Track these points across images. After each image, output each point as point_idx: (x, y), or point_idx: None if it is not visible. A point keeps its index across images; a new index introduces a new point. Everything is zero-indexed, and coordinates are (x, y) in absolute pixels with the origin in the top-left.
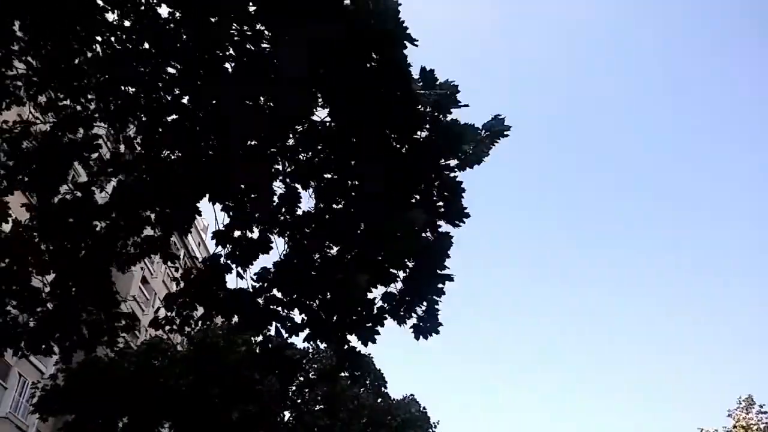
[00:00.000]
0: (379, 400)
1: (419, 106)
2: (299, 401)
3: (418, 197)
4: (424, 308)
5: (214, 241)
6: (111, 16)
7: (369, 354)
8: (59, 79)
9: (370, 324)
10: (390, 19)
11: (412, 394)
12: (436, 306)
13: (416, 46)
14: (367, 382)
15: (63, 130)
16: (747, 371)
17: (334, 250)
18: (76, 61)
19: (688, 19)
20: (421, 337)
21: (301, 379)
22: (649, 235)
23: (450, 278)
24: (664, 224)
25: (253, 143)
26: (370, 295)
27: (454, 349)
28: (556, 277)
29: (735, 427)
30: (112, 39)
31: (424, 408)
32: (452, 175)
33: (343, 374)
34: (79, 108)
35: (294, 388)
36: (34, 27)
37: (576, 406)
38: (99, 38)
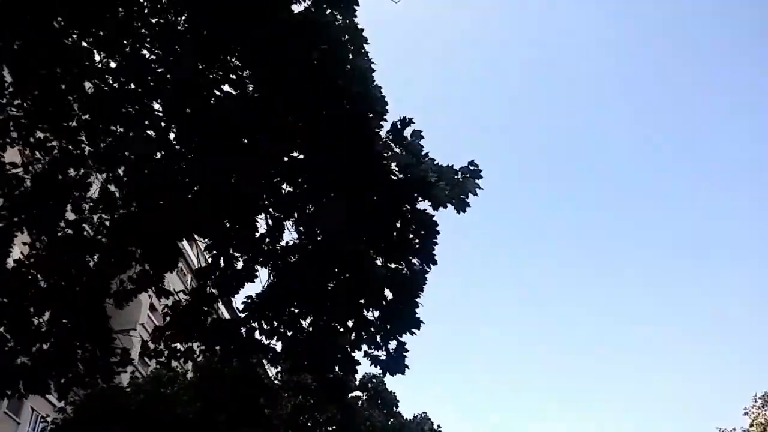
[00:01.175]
0: (391, 420)
1: (385, 162)
2: (310, 424)
3: (395, 233)
4: (394, 346)
5: (197, 276)
6: (97, 58)
7: (379, 374)
8: (49, 120)
9: (348, 356)
10: (361, 81)
11: (424, 412)
12: (405, 346)
13: (386, 111)
14: (379, 402)
15: (56, 170)
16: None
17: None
18: (65, 102)
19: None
20: (388, 373)
21: (312, 401)
22: (656, 234)
23: (418, 324)
24: (669, 221)
25: (236, 179)
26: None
27: (469, 366)
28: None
29: (752, 425)
30: (99, 80)
31: (438, 426)
32: (428, 213)
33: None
34: (70, 147)
35: (305, 412)
36: (23, 71)
37: (593, 410)
38: (86, 80)
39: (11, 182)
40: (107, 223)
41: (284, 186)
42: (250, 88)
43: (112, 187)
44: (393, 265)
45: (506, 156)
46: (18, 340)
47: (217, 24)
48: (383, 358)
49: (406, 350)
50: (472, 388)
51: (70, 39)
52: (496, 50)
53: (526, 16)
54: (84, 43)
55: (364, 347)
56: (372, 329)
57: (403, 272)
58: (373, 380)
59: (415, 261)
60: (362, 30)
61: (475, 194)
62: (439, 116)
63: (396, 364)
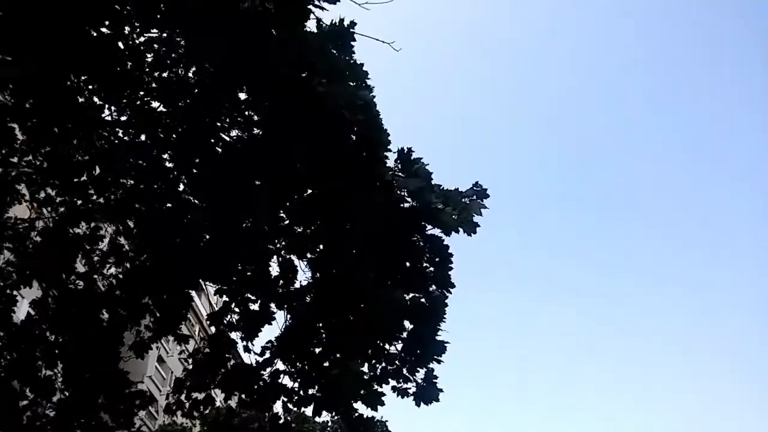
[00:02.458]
0: None
1: (397, 191)
2: None
3: (408, 263)
4: (423, 375)
5: (209, 323)
6: (107, 112)
7: (382, 417)
8: (59, 176)
9: (373, 392)
10: (372, 127)
11: None
12: (434, 373)
13: (389, 141)
14: None
15: (66, 224)
16: None
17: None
18: (75, 159)
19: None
20: (422, 403)
21: None
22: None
23: (444, 348)
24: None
25: (248, 223)
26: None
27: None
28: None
29: None
30: (109, 134)
31: None
32: (440, 239)
33: None
34: (80, 202)
35: None
36: (34, 128)
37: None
38: (96, 134)
39: (19, 237)
40: (120, 276)
41: (295, 226)
42: (256, 130)
43: (122, 240)
44: (410, 295)
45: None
46: (36, 393)
47: (222, 66)
48: (412, 389)
49: (436, 377)
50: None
51: (81, 96)
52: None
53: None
54: (95, 98)
55: (393, 382)
56: (396, 362)
57: (421, 301)
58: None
59: (432, 287)
60: (362, 64)
61: (480, 214)
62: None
63: (427, 393)
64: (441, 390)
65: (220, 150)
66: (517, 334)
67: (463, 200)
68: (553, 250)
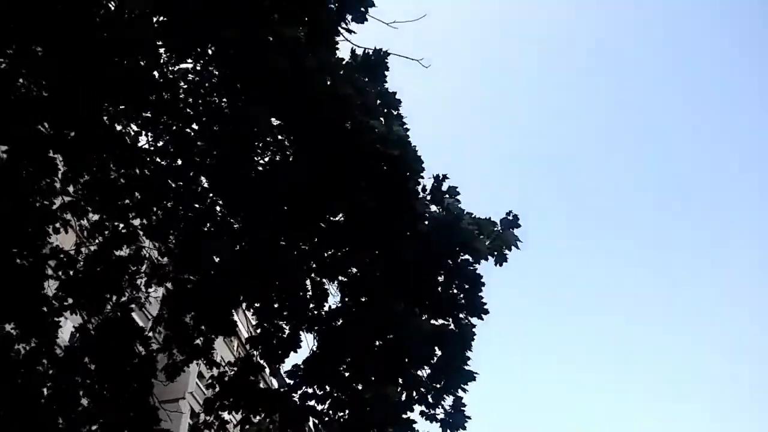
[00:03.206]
0: None
1: (426, 221)
2: None
3: (439, 289)
4: (451, 402)
5: (248, 346)
6: (144, 139)
7: None
8: (101, 202)
9: (403, 417)
10: (400, 145)
11: None
12: (462, 401)
13: (423, 169)
14: None
15: (110, 247)
16: None
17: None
18: (116, 184)
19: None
20: (448, 430)
21: None
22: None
23: (473, 377)
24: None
25: (283, 244)
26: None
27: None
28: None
29: None
30: (147, 160)
31: None
32: (471, 268)
33: None
34: (122, 226)
35: None
36: (75, 158)
37: None
38: (135, 161)
39: (64, 264)
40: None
41: (326, 250)
42: (289, 154)
43: (164, 260)
44: (439, 322)
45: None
46: (69, 423)
47: (254, 93)
48: (441, 416)
49: (464, 404)
50: None
51: (118, 124)
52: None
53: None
54: (132, 125)
55: (420, 407)
56: (423, 389)
57: (450, 328)
58: None
59: (461, 315)
60: (395, 93)
61: (517, 247)
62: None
63: (455, 420)
64: (469, 417)
65: (253, 173)
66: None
67: (495, 230)
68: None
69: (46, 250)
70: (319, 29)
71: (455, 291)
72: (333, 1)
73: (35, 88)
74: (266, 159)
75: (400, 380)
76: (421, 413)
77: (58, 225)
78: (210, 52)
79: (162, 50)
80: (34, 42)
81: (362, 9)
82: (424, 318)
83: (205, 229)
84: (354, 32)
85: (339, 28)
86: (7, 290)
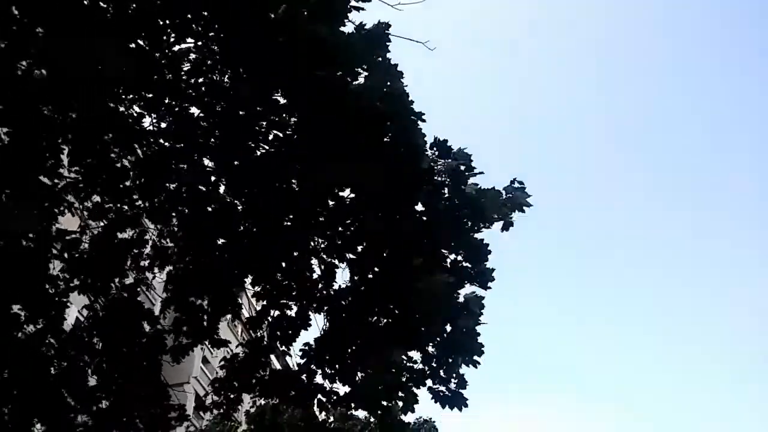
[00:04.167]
0: None
1: (435, 177)
2: None
3: (447, 262)
4: (455, 381)
5: (248, 327)
6: (148, 120)
7: (431, 419)
8: (105, 184)
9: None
10: (397, 101)
11: None
12: (464, 380)
13: (424, 121)
14: None
15: (114, 230)
16: None
17: (371, 320)
18: (119, 165)
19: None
20: (447, 407)
21: None
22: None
23: (481, 351)
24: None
25: (288, 224)
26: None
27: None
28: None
29: None
30: (150, 142)
31: None
32: (477, 236)
33: None
34: (125, 208)
35: None
36: (77, 140)
37: None
38: (137, 143)
39: (70, 246)
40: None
41: (333, 227)
42: (292, 132)
43: (168, 242)
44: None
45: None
46: (77, 400)
47: (256, 70)
48: (444, 393)
49: (466, 383)
50: None
51: (121, 105)
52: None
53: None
54: (135, 107)
55: (428, 383)
56: (434, 363)
57: (459, 300)
58: (425, 425)
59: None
60: (396, 64)
61: (523, 211)
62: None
63: (457, 398)
64: (466, 399)
65: (258, 152)
66: None
67: (501, 198)
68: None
69: (52, 231)
70: (328, 8)
71: (462, 259)
72: None
73: (37, 70)
74: (270, 137)
75: (412, 343)
76: (429, 389)
77: (62, 207)
78: (209, 28)
79: (162, 30)
80: (36, 22)
81: None
82: (435, 276)
83: (210, 209)
84: (363, 9)
85: (348, 5)
86: (13, 271)
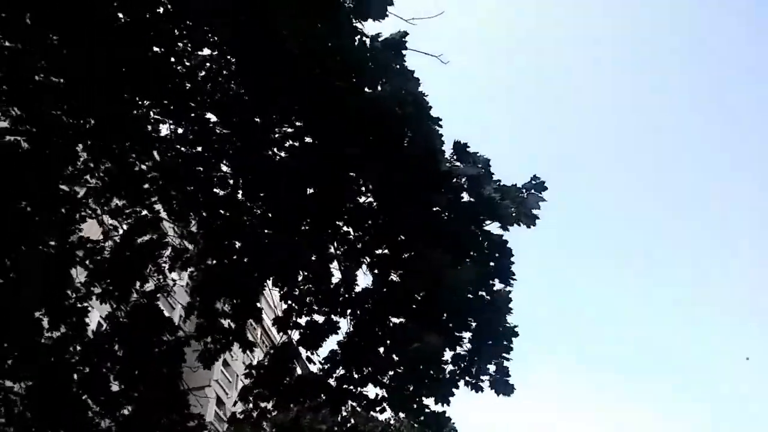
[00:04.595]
0: None
1: (453, 179)
2: None
3: (468, 260)
4: (494, 369)
5: (275, 328)
6: (165, 127)
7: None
8: (124, 188)
9: (444, 385)
10: (415, 106)
11: None
12: (505, 365)
13: (441, 126)
14: None
15: (134, 234)
16: None
17: (396, 320)
18: (137, 171)
19: None
20: (502, 394)
21: None
22: None
23: (515, 332)
24: None
25: (306, 229)
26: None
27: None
28: None
29: None
30: (168, 148)
31: None
32: (498, 234)
33: None
34: (145, 212)
35: None
36: (95, 148)
37: None
38: (155, 149)
39: (92, 253)
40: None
41: (351, 231)
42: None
43: (187, 244)
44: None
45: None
46: (100, 406)
47: (272, 78)
48: (486, 383)
49: (507, 368)
50: None
51: (138, 111)
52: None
53: None
54: (152, 113)
55: (463, 380)
56: (464, 363)
57: (486, 298)
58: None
59: (494, 282)
60: (413, 71)
61: (538, 208)
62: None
63: (502, 384)
64: (513, 386)
65: (275, 158)
66: None
67: (520, 195)
68: None
69: (73, 238)
70: (338, 22)
71: (485, 257)
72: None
73: (53, 77)
74: (286, 144)
75: (444, 339)
76: (466, 383)
77: (83, 213)
78: (224, 41)
79: (178, 39)
80: (49, 29)
81: (383, 6)
82: (461, 270)
83: (227, 214)
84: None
85: (356, 22)
86: (36, 278)
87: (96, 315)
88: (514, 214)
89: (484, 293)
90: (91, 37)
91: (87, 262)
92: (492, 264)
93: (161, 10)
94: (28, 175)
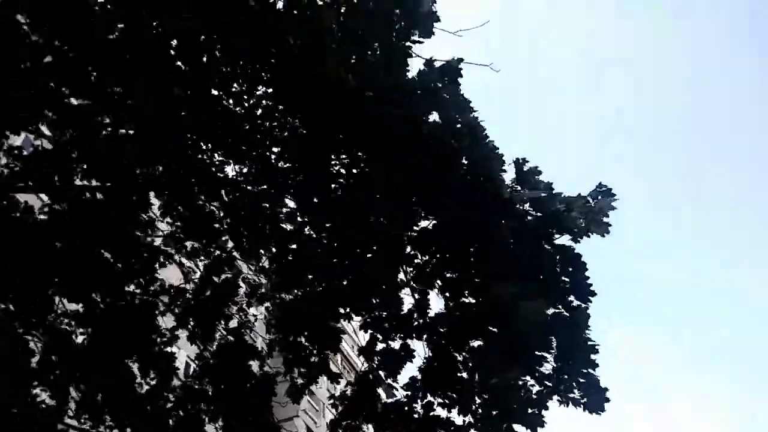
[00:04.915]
0: None
1: (518, 205)
2: None
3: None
4: (584, 384)
5: (361, 357)
6: (230, 168)
7: None
8: (197, 231)
9: (533, 405)
10: (470, 134)
11: None
12: (595, 377)
13: (498, 152)
14: None
15: (211, 274)
16: None
17: (475, 344)
18: (208, 213)
19: None
20: (594, 412)
21: None
22: None
23: (595, 349)
24: None
25: (372, 256)
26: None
27: None
28: None
29: None
30: (234, 188)
31: None
32: (570, 247)
33: None
34: (218, 252)
35: None
36: (167, 194)
37: None
38: (222, 189)
39: (175, 297)
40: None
41: (419, 257)
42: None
43: (261, 279)
44: (551, 310)
45: None
46: None
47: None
48: (578, 397)
49: (598, 379)
50: None
51: (203, 154)
52: None
53: None
54: (216, 155)
55: (553, 399)
56: (549, 382)
57: (563, 314)
58: None
59: (571, 299)
60: (469, 101)
61: (607, 215)
62: None
63: (597, 398)
64: (608, 399)
65: (337, 190)
66: None
67: (587, 204)
68: None
69: (156, 286)
70: (390, 50)
71: (559, 274)
72: (399, 21)
73: (121, 127)
74: (348, 175)
75: (526, 367)
76: (558, 400)
77: (162, 259)
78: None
79: (233, 80)
80: (115, 83)
81: (429, 23)
82: (534, 303)
83: (296, 247)
84: (422, 42)
85: (408, 44)
86: (125, 328)
87: (183, 355)
88: (583, 225)
89: (561, 309)
90: (153, 86)
91: (172, 306)
92: (567, 279)
93: (217, 53)
94: (107, 226)
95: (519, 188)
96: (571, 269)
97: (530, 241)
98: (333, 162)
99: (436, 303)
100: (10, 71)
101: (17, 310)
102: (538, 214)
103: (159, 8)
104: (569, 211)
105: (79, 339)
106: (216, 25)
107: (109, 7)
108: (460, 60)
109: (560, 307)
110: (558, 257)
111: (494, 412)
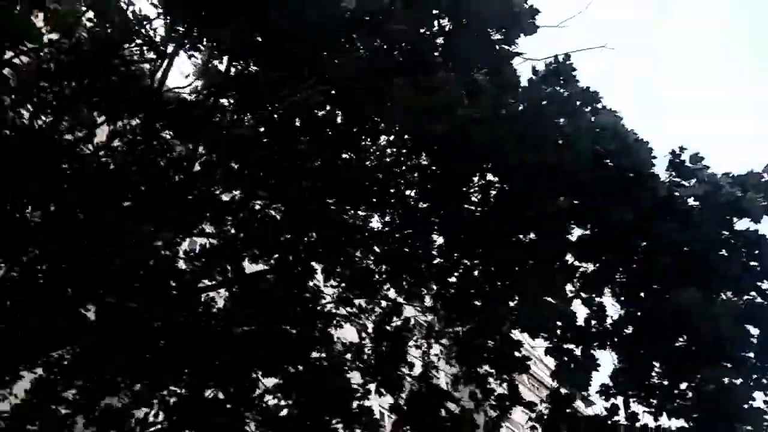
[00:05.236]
0: None
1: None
2: None
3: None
4: None
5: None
6: (375, 221)
7: None
8: (359, 287)
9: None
10: (615, 138)
11: None
12: None
13: (652, 151)
14: None
15: (383, 324)
16: None
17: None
18: (364, 266)
19: None
20: None
21: None
22: None
23: None
24: None
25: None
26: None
27: None
28: None
29: None
30: (379, 244)
31: None
32: (751, 231)
33: None
34: (383, 303)
35: None
36: (325, 259)
37: None
38: (373, 245)
39: (357, 354)
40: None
41: (582, 264)
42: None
43: (429, 318)
44: (743, 299)
45: None
46: None
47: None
48: None
49: None
50: None
51: (348, 214)
52: None
53: None
54: (359, 212)
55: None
56: (755, 374)
57: (757, 301)
58: None
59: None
60: (596, 92)
61: None
62: None
63: None
64: None
65: (478, 216)
66: None
67: (762, 179)
68: None
69: (337, 346)
70: (501, 72)
71: (744, 260)
72: (501, 27)
73: (274, 212)
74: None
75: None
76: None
77: (335, 321)
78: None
79: (358, 140)
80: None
81: (531, 20)
82: (723, 299)
83: (455, 280)
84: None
85: (515, 53)
86: (320, 391)
87: (376, 405)
88: (763, 203)
89: (755, 295)
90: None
91: (356, 362)
92: (755, 264)
93: (339, 119)
94: (281, 303)
95: (679, 181)
96: (756, 252)
97: (698, 236)
98: (467, 190)
99: (611, 310)
100: None
101: (230, 393)
102: (707, 203)
103: None
104: (744, 191)
105: (284, 412)
106: None
107: None
108: (568, 56)
109: (754, 293)
110: (739, 241)
111: (713, 414)
